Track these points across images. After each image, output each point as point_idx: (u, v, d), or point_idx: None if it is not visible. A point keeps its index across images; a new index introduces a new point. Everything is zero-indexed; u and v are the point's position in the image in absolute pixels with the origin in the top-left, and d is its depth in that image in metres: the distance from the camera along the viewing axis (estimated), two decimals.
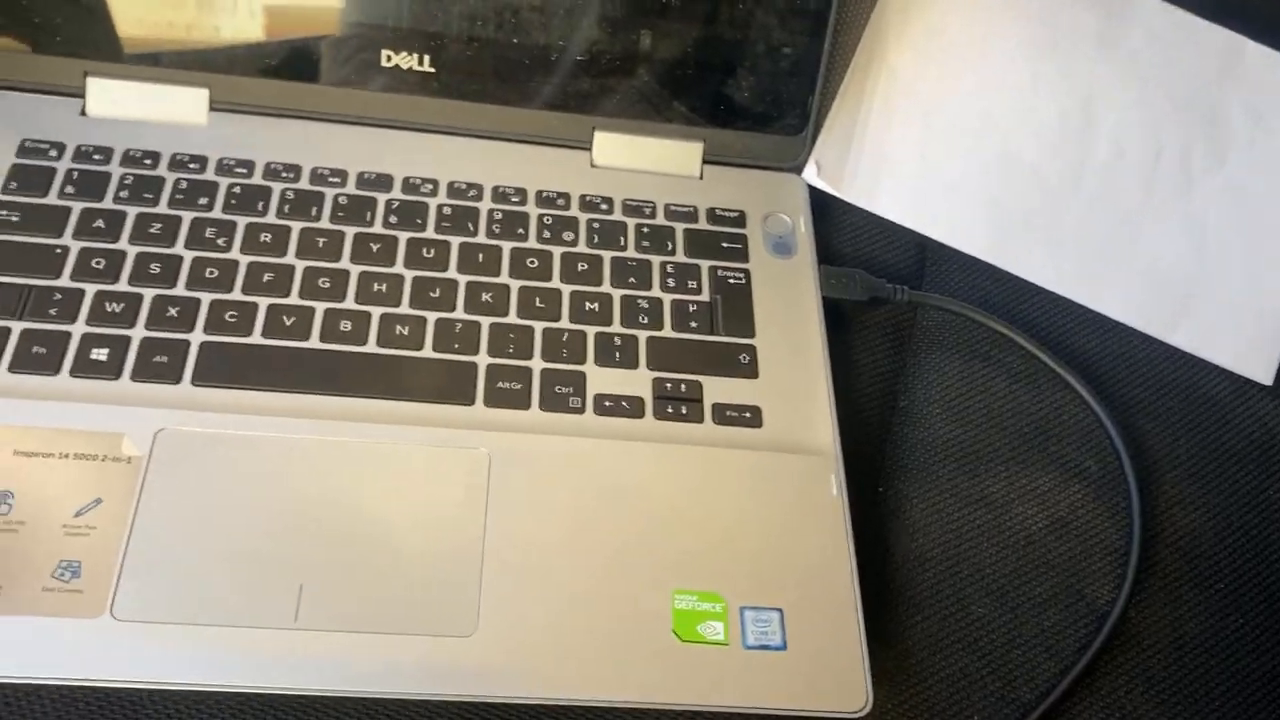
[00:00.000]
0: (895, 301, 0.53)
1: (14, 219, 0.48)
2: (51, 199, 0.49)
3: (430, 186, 0.52)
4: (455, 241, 0.51)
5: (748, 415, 0.48)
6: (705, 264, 0.52)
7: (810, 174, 0.56)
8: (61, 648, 0.38)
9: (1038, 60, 0.58)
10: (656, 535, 0.44)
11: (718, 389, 0.48)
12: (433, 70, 0.53)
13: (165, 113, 0.52)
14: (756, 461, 0.46)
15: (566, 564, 0.43)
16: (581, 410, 0.47)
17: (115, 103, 0.52)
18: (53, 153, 0.50)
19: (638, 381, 0.48)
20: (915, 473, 0.50)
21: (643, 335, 0.49)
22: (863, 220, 0.57)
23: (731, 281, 0.51)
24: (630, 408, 0.47)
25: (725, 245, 0.53)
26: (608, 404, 0.47)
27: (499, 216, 0.52)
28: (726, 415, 0.47)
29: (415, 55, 0.52)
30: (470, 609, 0.41)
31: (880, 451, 0.51)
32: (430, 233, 0.51)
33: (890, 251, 0.57)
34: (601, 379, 0.48)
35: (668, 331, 0.50)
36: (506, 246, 0.51)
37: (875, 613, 0.46)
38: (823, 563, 0.44)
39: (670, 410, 0.47)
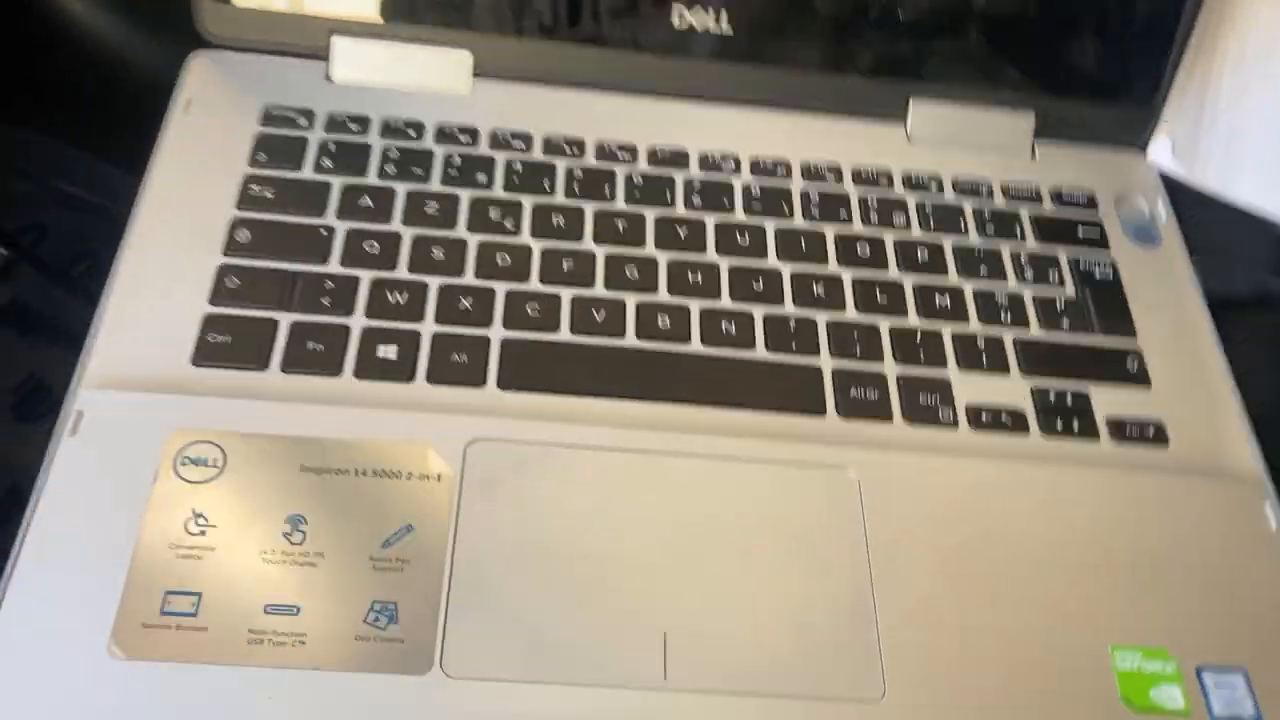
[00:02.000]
0: None
1: (268, 195, 0.41)
2: (307, 173, 0.42)
3: (731, 164, 0.45)
4: (770, 225, 0.43)
5: (1150, 432, 0.39)
6: (1064, 253, 0.44)
7: (1160, 153, 0.48)
8: (388, 714, 0.30)
9: None
10: (1077, 577, 0.35)
11: (1108, 399, 0.40)
12: (729, 31, 0.45)
13: (422, 79, 0.45)
14: (1171, 488, 0.38)
15: (978, 613, 0.34)
16: (954, 424, 0.39)
17: (364, 66, 0.45)
18: (302, 121, 0.43)
19: (1013, 390, 0.40)
20: None
21: (1008, 335, 0.41)
22: (1208, 208, 0.49)
23: (1099, 274, 0.43)
24: (1011, 422, 0.39)
25: (1081, 233, 0.45)
26: (984, 417, 0.39)
27: (814, 197, 0.44)
28: (1126, 432, 0.39)
29: (711, 13, 0.45)
30: (874, 668, 0.33)
31: None
32: (739, 216, 0.43)
33: (1246, 245, 0.49)
34: (970, 387, 0.40)
35: (1036, 331, 0.41)
36: (829, 231, 0.43)
37: None
38: (1278, 610, 0.36)
39: (1060, 425, 0.39)
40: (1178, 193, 0.48)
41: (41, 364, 0.46)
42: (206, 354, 0.36)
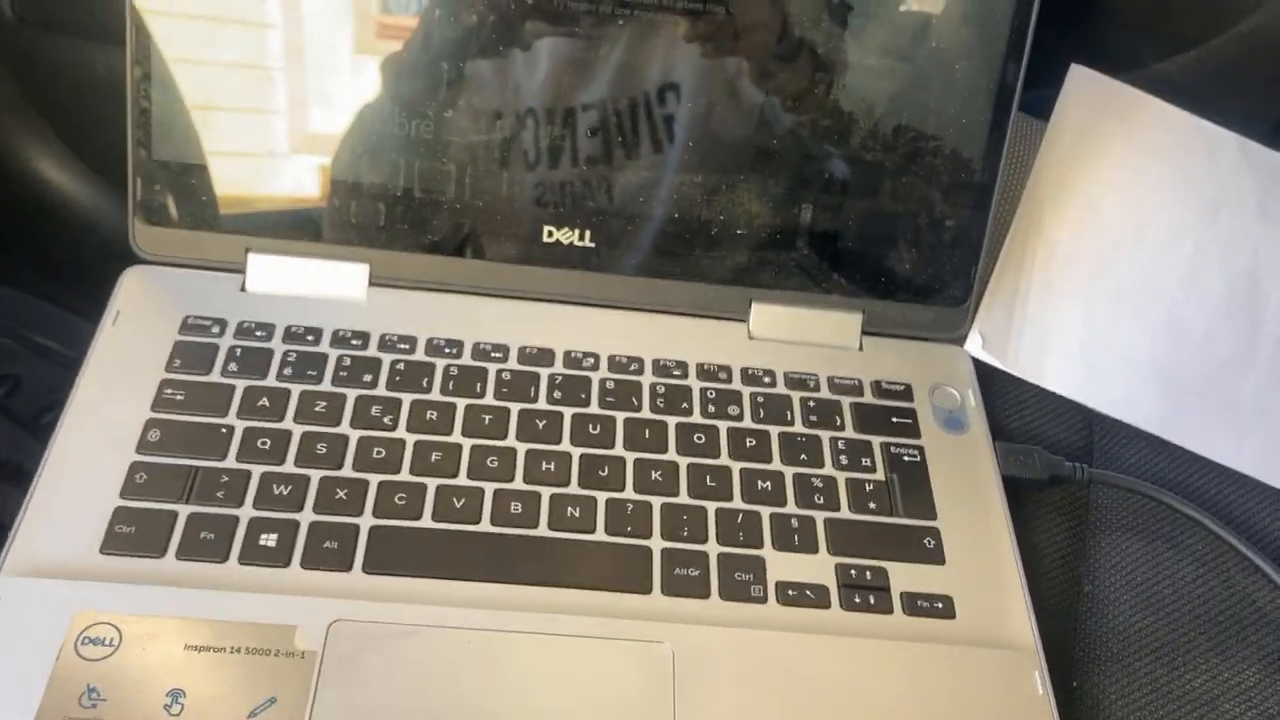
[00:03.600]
0: (1075, 481, 0.51)
1: (178, 398, 0.47)
2: (215, 377, 0.48)
3: (591, 361, 0.51)
4: (620, 417, 0.49)
5: (939, 606, 0.45)
6: (877, 440, 0.50)
7: (974, 346, 0.54)
8: None
9: (1200, 230, 0.57)
10: None
11: (904, 576, 0.46)
12: (592, 245, 0.52)
13: (325, 288, 0.52)
14: (953, 657, 0.43)
15: None
16: (764, 600, 0.44)
17: (275, 278, 0.52)
18: (215, 329, 0.50)
19: (820, 568, 0.45)
20: (1110, 665, 0.47)
21: (820, 516, 0.47)
22: (1024, 392, 0.55)
23: (906, 459, 0.49)
24: (815, 597, 0.44)
25: (895, 420, 0.51)
26: (791, 593, 0.44)
27: (661, 391, 0.51)
28: (918, 606, 0.45)
29: (576, 231, 0.52)
30: None
31: (1070, 642, 0.48)
32: (594, 408, 0.50)
33: (1055, 426, 0.55)
34: (782, 565, 0.45)
35: (845, 513, 0.47)
36: (671, 422, 0.49)
37: None
38: None
39: (858, 600, 0.45)
40: (994, 377, 0.55)
41: (3, 506, 0.52)
42: (113, 543, 0.42)
